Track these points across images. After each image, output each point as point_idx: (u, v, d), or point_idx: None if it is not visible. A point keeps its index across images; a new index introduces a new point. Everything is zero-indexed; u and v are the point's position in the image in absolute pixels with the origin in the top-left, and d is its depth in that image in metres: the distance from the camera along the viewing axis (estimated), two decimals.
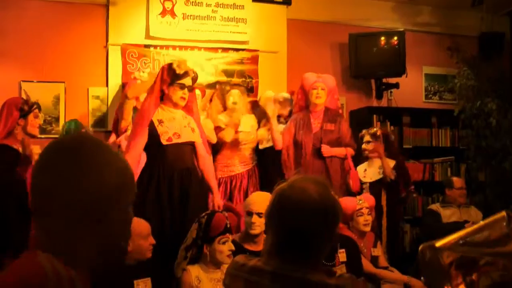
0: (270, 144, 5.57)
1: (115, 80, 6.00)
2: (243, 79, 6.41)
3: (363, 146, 5.67)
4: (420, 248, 1.65)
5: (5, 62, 5.76)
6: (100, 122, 5.99)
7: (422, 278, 4.44)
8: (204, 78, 6.09)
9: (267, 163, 5.61)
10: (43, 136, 5.26)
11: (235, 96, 5.59)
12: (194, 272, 3.57)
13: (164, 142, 4.33)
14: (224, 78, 6.31)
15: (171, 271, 3.74)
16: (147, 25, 6.12)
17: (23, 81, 5.77)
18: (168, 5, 6.15)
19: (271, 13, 6.65)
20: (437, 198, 6.61)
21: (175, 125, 4.41)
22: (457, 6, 7.20)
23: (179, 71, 4.36)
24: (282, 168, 5.39)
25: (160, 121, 4.38)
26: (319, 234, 1.91)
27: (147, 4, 6.13)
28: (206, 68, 6.23)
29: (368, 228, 4.70)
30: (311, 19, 6.82)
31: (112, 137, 5.35)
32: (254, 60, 6.48)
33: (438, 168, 6.85)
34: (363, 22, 6.99)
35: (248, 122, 5.67)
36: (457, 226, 5.57)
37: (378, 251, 4.86)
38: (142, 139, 4.33)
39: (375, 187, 5.60)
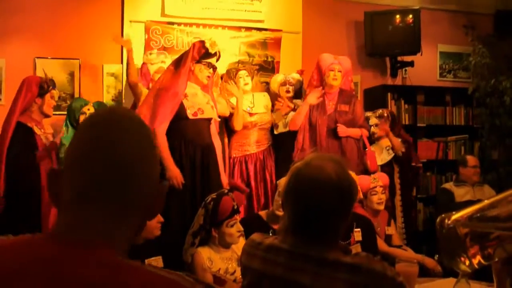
0: (285, 129, 5.58)
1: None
2: (265, 59, 6.39)
3: (372, 130, 5.68)
4: (437, 219, 1.67)
5: (20, 38, 5.76)
6: (115, 99, 5.99)
7: (436, 256, 4.49)
8: (227, 57, 6.08)
9: (281, 148, 5.61)
10: (57, 113, 5.29)
11: (244, 77, 5.59)
12: (205, 253, 3.57)
13: (190, 116, 4.39)
14: (246, 58, 6.29)
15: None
16: (162, 2, 6.09)
17: (37, 57, 5.77)
18: None
19: None
20: (450, 177, 6.62)
21: (199, 101, 4.47)
22: None
23: (211, 50, 4.43)
24: (295, 149, 5.41)
25: (185, 95, 4.43)
26: (335, 213, 1.92)
27: None
28: (229, 47, 6.20)
29: (382, 207, 4.73)
30: None
31: None
32: (277, 40, 6.44)
33: (452, 147, 6.85)
34: (378, 0, 6.94)
35: (261, 102, 5.67)
36: (470, 205, 5.58)
37: (392, 230, 4.89)
38: (171, 113, 4.39)
39: (386, 167, 5.63)
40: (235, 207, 3.62)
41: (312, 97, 5.38)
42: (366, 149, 5.50)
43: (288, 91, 5.71)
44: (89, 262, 1.06)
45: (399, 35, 6.65)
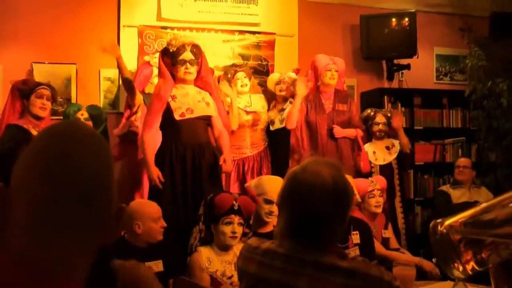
0: (281, 125, 5.58)
1: (127, 61, 5.87)
2: (259, 62, 6.40)
3: (377, 127, 5.70)
4: (431, 224, 1.67)
5: (17, 43, 5.76)
6: (112, 104, 6.00)
7: (433, 259, 4.49)
8: (221, 60, 6.11)
9: (278, 145, 5.62)
10: (54, 117, 5.26)
11: (242, 78, 5.60)
12: (205, 253, 3.58)
13: (177, 117, 4.36)
14: (240, 61, 6.28)
15: (183, 253, 3.77)
16: (158, 6, 6.10)
17: (34, 62, 5.77)
18: None
19: None
20: (448, 180, 6.61)
21: (188, 100, 4.43)
22: None
23: (172, 48, 4.39)
24: (291, 149, 5.41)
25: (173, 97, 4.42)
26: (332, 217, 1.92)
27: None
28: (223, 50, 6.23)
29: (379, 210, 4.71)
30: (322, 1, 6.78)
31: (123, 121, 5.36)
32: (271, 43, 6.46)
33: (449, 149, 6.84)
34: (374, 3, 6.96)
35: (258, 102, 5.67)
36: (467, 206, 5.56)
37: (389, 233, 4.88)
38: (158, 116, 4.39)
39: (386, 168, 5.64)
40: (235, 207, 3.59)
41: (301, 88, 5.37)
42: (360, 151, 5.50)
43: (281, 90, 5.71)
44: None
45: (395, 38, 6.66)
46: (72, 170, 1.07)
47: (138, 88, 5.40)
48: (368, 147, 5.72)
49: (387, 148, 5.72)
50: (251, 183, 4.14)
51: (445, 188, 5.89)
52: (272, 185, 3.92)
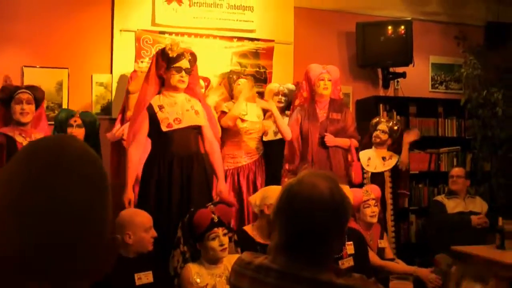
0: (275, 137, 5.53)
1: (121, 66, 5.93)
2: (257, 69, 6.35)
3: (377, 133, 5.65)
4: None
5: (8, 46, 5.69)
6: (105, 109, 5.92)
7: (430, 269, 4.45)
8: (218, 67, 6.05)
9: (271, 156, 5.56)
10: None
11: (242, 85, 5.54)
12: (195, 268, 3.50)
13: (164, 128, 4.23)
14: (238, 68, 6.23)
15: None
16: (153, 12, 6.04)
17: (25, 66, 5.71)
18: None
19: (278, 1, 6.56)
20: (442, 189, 6.58)
21: (177, 110, 4.29)
22: None
23: (172, 54, 4.26)
24: (285, 159, 5.37)
25: (161, 107, 4.27)
26: (329, 232, 1.86)
27: None
28: (220, 57, 6.17)
29: (375, 220, 4.66)
30: (318, 8, 6.74)
31: (117, 126, 5.30)
32: (269, 50, 6.42)
33: (444, 158, 6.80)
34: (370, 11, 6.92)
35: (254, 111, 5.61)
36: (462, 216, 5.57)
37: (385, 243, 4.83)
38: (143, 127, 4.26)
39: (377, 177, 5.59)
40: (215, 220, 3.51)
41: (271, 104, 5.37)
42: (353, 161, 5.44)
43: (280, 102, 5.67)
44: None
45: (391, 46, 6.63)
46: (53, 203, 0.92)
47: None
48: (364, 153, 5.68)
49: (383, 158, 5.66)
50: (254, 197, 4.06)
51: (440, 198, 5.84)
52: (272, 193, 3.88)
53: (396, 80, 6.92)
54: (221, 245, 3.47)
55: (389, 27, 6.65)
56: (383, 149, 5.74)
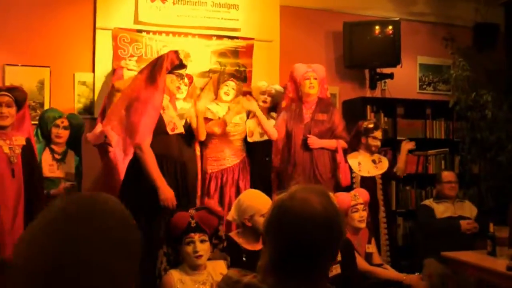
0: (260, 138, 5.43)
1: (103, 65, 5.80)
2: (237, 67, 6.22)
3: (374, 142, 5.52)
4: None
5: None
6: (87, 108, 5.79)
7: (418, 273, 4.39)
8: (197, 66, 5.91)
9: (256, 156, 5.48)
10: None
11: (229, 87, 5.44)
12: (177, 275, 3.41)
13: (169, 132, 4.21)
14: (217, 67, 6.11)
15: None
16: (136, 10, 5.91)
17: (6, 64, 5.57)
18: None
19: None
20: (430, 191, 6.52)
21: (171, 114, 4.27)
22: None
23: (185, 62, 4.23)
24: (272, 160, 5.28)
25: (163, 108, 4.24)
26: (323, 249, 1.75)
27: None
28: (200, 55, 6.03)
29: (363, 225, 4.58)
30: (305, 6, 6.63)
31: (99, 126, 5.17)
32: (249, 48, 6.29)
33: (432, 161, 6.71)
34: (358, 11, 6.83)
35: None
36: (451, 221, 5.50)
37: (373, 248, 4.76)
38: (152, 126, 4.17)
39: (368, 181, 5.49)
40: (192, 224, 3.44)
41: (253, 105, 5.30)
42: (340, 163, 5.33)
43: (265, 101, 5.58)
44: None
45: (378, 46, 6.54)
46: (83, 272, 0.92)
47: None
48: (352, 157, 5.55)
49: (374, 161, 5.56)
50: (231, 213, 3.96)
51: (428, 202, 5.73)
52: (259, 199, 3.85)
53: (383, 81, 6.83)
54: (195, 251, 3.39)
55: (377, 27, 6.56)
56: (376, 154, 5.64)
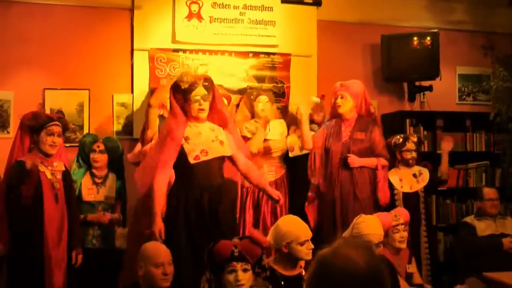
0: (301, 152, 5.42)
1: (141, 86, 5.86)
2: (275, 84, 6.23)
3: (409, 154, 5.49)
4: None
5: (29, 69, 5.66)
6: (126, 129, 5.86)
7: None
8: (235, 83, 5.98)
9: (297, 171, 5.47)
10: (67, 144, 5.15)
11: (263, 102, 5.44)
12: None
13: (192, 161, 4.12)
14: (255, 84, 6.14)
15: None
16: (173, 29, 5.96)
17: (46, 88, 5.67)
18: (194, 8, 5.98)
19: (300, 14, 6.42)
20: (471, 205, 6.42)
21: (202, 141, 4.18)
22: (492, 3, 6.96)
23: (184, 85, 4.14)
24: (308, 174, 5.25)
25: (186, 138, 4.15)
26: None
27: (173, 8, 5.96)
28: (237, 73, 6.08)
29: (404, 245, 4.52)
30: (342, 20, 6.60)
31: (138, 146, 5.22)
32: (286, 64, 6.29)
33: (472, 174, 6.60)
34: (395, 22, 6.78)
35: (277, 129, 5.52)
36: (493, 240, 5.39)
37: (413, 268, 4.70)
38: (172, 158, 4.14)
39: (410, 197, 5.44)
40: (235, 253, 3.41)
41: (302, 109, 5.22)
42: (379, 182, 5.26)
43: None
44: None
45: (417, 58, 6.47)
46: None
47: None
48: (393, 174, 5.49)
49: (414, 175, 5.51)
50: (269, 239, 3.94)
51: (469, 219, 5.61)
52: (297, 226, 3.82)
53: (422, 93, 6.75)
54: (237, 280, 3.37)
55: (415, 39, 6.49)
56: (412, 167, 5.59)
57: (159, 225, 4.05)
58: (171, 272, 3.45)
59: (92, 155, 4.99)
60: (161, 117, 5.20)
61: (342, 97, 5.18)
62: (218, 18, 6.06)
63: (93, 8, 5.85)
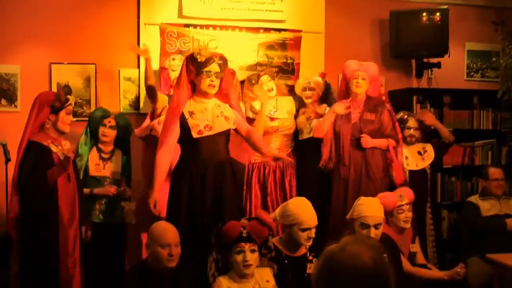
0: (309, 135, 5.42)
1: None
2: (284, 60, 6.21)
3: (408, 132, 5.51)
4: None
5: (36, 44, 5.65)
6: (132, 104, 5.88)
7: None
8: (245, 59, 5.96)
9: (305, 155, 5.47)
10: (74, 119, 5.14)
11: (267, 82, 5.42)
12: (225, 283, 3.51)
13: (195, 135, 4.16)
14: (265, 59, 6.13)
15: (203, 278, 3.66)
16: (179, 4, 5.92)
17: (53, 63, 5.66)
18: None
19: None
20: (476, 183, 6.38)
21: (207, 116, 4.20)
22: None
23: (200, 58, 4.14)
24: (321, 160, 5.25)
25: (191, 113, 4.18)
26: None
27: None
28: (247, 48, 6.06)
29: (408, 225, 4.57)
30: None
31: (147, 121, 5.23)
32: (297, 40, 6.25)
33: (478, 152, 6.56)
34: None
35: (285, 107, 5.50)
36: (497, 220, 5.39)
37: (416, 247, 4.73)
38: (174, 133, 4.17)
39: (417, 174, 5.46)
40: (244, 234, 3.51)
41: (339, 107, 5.20)
42: (393, 161, 5.27)
43: (309, 97, 5.52)
44: None
45: (425, 35, 6.40)
46: None
47: (164, 91, 5.32)
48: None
49: (419, 153, 5.52)
50: (276, 214, 3.96)
51: (474, 199, 5.60)
52: (305, 212, 3.83)
53: (430, 70, 6.70)
54: (245, 261, 3.48)
55: (424, 15, 6.40)
56: (415, 145, 5.59)
57: (154, 198, 4.11)
58: (178, 254, 3.50)
59: (102, 129, 5.02)
60: (169, 96, 5.20)
61: (363, 78, 5.17)
62: None
63: None
